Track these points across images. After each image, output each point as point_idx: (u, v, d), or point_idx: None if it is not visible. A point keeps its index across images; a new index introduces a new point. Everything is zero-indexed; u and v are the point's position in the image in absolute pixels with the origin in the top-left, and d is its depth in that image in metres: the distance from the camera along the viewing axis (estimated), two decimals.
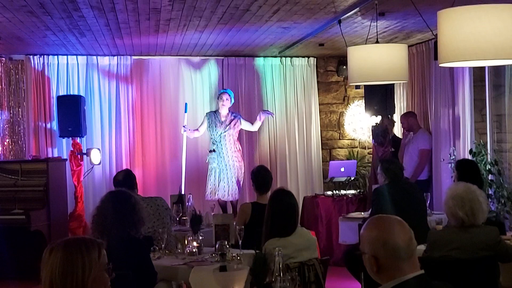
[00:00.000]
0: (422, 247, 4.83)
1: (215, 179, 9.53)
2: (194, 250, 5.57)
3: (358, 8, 6.89)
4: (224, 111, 9.63)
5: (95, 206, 4.84)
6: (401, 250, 2.72)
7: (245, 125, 9.76)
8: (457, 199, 4.71)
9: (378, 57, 6.49)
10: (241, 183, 9.71)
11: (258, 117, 9.83)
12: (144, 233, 5.24)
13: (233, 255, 5.27)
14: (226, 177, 9.46)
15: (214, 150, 9.58)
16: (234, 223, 6.05)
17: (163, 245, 5.63)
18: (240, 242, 5.48)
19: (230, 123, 9.55)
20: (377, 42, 6.89)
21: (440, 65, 4.66)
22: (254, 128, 9.93)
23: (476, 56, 4.32)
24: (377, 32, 7.17)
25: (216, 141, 9.58)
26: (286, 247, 4.78)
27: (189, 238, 5.69)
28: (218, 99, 9.77)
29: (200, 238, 5.73)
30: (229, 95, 9.65)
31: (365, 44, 7.64)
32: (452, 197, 4.75)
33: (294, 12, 7.23)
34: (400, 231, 2.76)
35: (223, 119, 9.60)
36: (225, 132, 9.53)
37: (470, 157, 8.01)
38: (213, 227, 5.91)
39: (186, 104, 10.00)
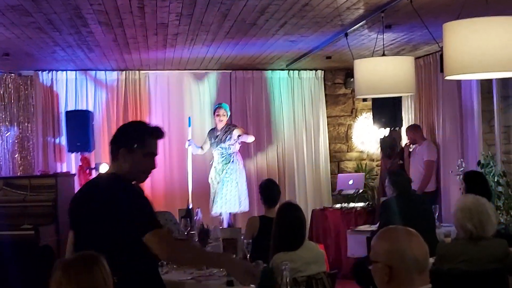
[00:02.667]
0: (431, 260, 4.82)
1: (211, 194, 9.58)
2: None
3: (364, 21, 6.92)
4: (220, 125, 9.60)
5: None
6: (418, 263, 2.71)
7: (248, 139, 9.64)
8: (465, 211, 4.69)
9: (384, 70, 6.49)
10: (244, 195, 9.67)
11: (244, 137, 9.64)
12: None
13: None
14: (221, 191, 9.46)
15: (211, 165, 9.64)
16: (242, 237, 6.05)
17: None
18: (248, 256, 5.48)
19: (222, 136, 9.54)
20: (383, 54, 6.90)
21: (446, 78, 4.66)
22: (250, 139, 9.74)
23: (482, 68, 4.31)
24: (383, 44, 7.17)
25: (214, 156, 9.61)
26: (294, 261, 4.76)
27: None
28: (214, 114, 9.72)
29: None
30: (225, 110, 9.65)
31: (372, 56, 7.65)
32: (461, 209, 4.74)
33: (300, 26, 7.25)
34: (419, 244, 2.75)
35: (218, 133, 9.59)
36: (218, 146, 9.54)
37: (478, 169, 7.98)
38: (220, 241, 5.90)
39: (189, 118, 9.91)
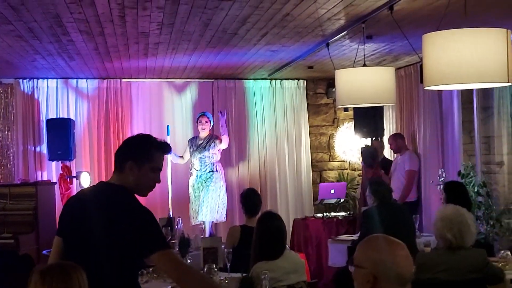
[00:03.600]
0: None
1: (192, 203, 9.59)
2: None
3: (345, 32, 6.94)
4: (203, 134, 9.63)
5: None
6: (402, 278, 2.71)
7: (221, 145, 9.67)
8: (445, 221, 4.72)
9: (365, 80, 6.51)
10: (224, 204, 9.68)
11: (221, 131, 9.70)
12: None
13: (221, 278, 5.26)
14: (203, 199, 9.46)
15: (191, 174, 9.63)
16: (223, 246, 6.05)
17: (150, 269, 5.60)
18: (228, 265, 5.47)
19: (206, 145, 9.55)
20: (364, 65, 6.93)
21: (426, 88, 4.69)
22: (223, 145, 9.73)
23: (460, 79, 4.34)
24: (364, 55, 7.20)
25: (194, 164, 9.61)
26: (274, 270, 4.77)
27: None
28: (197, 122, 9.75)
29: (189, 261, 5.72)
30: (208, 118, 9.67)
31: (353, 66, 7.68)
32: (441, 219, 4.77)
33: (282, 36, 7.26)
34: (407, 260, 2.74)
35: (200, 142, 9.60)
36: (200, 154, 9.54)
37: (459, 179, 8.02)
38: (201, 250, 5.89)
39: (168, 126, 9.89)
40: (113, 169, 10.48)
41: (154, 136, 3.70)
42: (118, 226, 3.39)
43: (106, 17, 6.07)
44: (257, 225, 5.18)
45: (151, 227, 3.42)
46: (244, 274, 4.91)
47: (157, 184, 3.64)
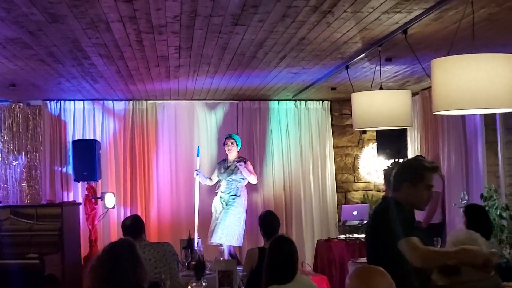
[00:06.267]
0: None
1: (213, 221, 9.62)
2: None
3: (364, 54, 6.95)
4: (231, 156, 9.70)
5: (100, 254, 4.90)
6: None
7: (245, 173, 9.69)
8: (458, 246, 4.67)
9: (381, 103, 6.51)
10: (242, 230, 9.70)
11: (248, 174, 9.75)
12: (150, 279, 5.31)
13: None
14: (220, 221, 9.49)
15: (216, 194, 9.69)
16: (239, 269, 6.06)
17: None
18: None
19: (234, 168, 9.60)
20: (381, 88, 6.92)
21: (434, 113, 4.68)
22: (252, 179, 9.80)
23: (468, 105, 4.33)
24: (380, 77, 7.20)
25: (221, 185, 9.66)
26: None
27: (193, 284, 5.70)
28: (224, 145, 9.83)
29: (204, 284, 5.74)
30: (234, 140, 9.72)
31: (371, 89, 7.68)
32: (453, 244, 4.72)
33: (301, 58, 7.29)
34: (380, 283, 2.78)
35: (229, 164, 9.67)
36: (229, 176, 9.60)
37: (481, 202, 7.94)
38: (216, 273, 5.91)
39: (198, 148, 10.00)
40: (138, 189, 10.58)
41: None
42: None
43: (123, 41, 6.16)
44: (268, 249, 5.19)
45: (400, 221, 4.10)
46: None
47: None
